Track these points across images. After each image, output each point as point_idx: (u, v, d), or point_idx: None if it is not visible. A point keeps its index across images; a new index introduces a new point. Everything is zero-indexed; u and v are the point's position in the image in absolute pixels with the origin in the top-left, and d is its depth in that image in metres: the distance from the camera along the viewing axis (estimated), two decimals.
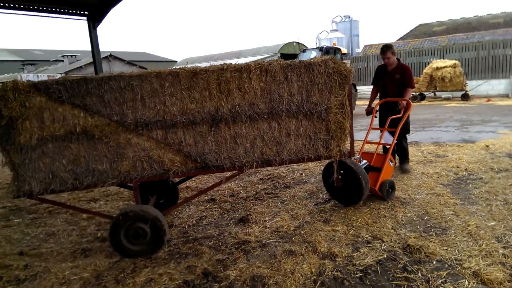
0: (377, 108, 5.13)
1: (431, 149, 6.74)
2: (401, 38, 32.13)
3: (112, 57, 30.67)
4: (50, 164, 3.10)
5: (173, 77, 3.22)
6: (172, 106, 3.27)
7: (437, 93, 18.61)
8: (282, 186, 5.13)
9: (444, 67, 16.83)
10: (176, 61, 41.61)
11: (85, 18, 11.14)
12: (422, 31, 31.80)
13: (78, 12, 10.93)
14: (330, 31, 32.81)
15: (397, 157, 5.49)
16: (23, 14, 10.56)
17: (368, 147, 6.03)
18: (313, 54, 13.25)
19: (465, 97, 16.90)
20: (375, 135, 5.09)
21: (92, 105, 3.12)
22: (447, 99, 18.25)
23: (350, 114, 3.60)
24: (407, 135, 5.41)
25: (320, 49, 13.23)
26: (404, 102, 4.82)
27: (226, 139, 3.41)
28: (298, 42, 22.17)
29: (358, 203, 4.09)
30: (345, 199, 4.15)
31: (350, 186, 4.00)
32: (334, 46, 14.07)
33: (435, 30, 31.09)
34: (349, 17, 33.44)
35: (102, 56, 29.07)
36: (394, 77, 5.07)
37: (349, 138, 3.70)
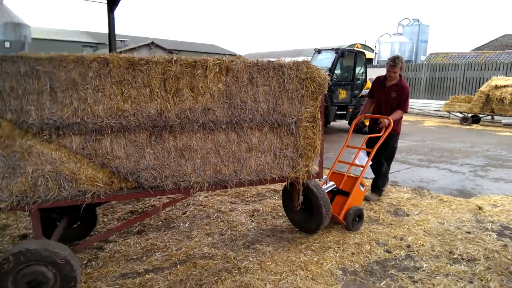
0: (355, 123, 4.64)
1: (402, 198, 4.75)
2: (476, 48, 28.17)
3: (153, 44, 28.45)
4: None
5: (99, 65, 2.40)
6: (97, 105, 2.44)
7: (497, 117, 14.50)
8: (135, 230, 3.64)
9: (505, 86, 13.34)
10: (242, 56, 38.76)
11: (105, 1, 10.89)
12: (505, 43, 27.59)
13: None
14: (393, 34, 30.08)
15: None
16: None
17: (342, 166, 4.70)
18: (329, 56, 11.23)
19: None
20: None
21: None
22: (508, 125, 14.06)
23: (321, 129, 3.15)
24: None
25: (336, 51, 10.97)
26: (386, 121, 4.27)
27: (170, 152, 2.70)
28: (364, 44, 20.44)
29: (316, 232, 3.55)
30: (302, 224, 3.65)
31: (309, 211, 3.52)
32: (356, 49, 12.29)
33: None
34: (418, 20, 30.33)
35: (144, 43, 27.47)
36: (390, 95, 4.56)
37: (318, 158, 3.23)
